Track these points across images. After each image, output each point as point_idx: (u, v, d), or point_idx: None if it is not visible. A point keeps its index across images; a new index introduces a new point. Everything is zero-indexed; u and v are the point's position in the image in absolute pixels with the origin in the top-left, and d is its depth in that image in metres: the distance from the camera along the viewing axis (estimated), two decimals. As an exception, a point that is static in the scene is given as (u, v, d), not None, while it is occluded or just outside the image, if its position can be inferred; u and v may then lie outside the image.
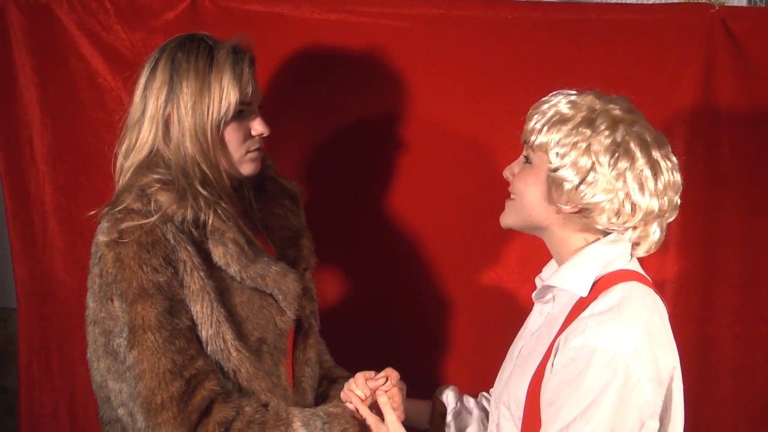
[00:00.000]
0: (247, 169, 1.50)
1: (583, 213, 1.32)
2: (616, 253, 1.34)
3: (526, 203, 1.37)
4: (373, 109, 1.98)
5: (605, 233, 1.34)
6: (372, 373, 1.50)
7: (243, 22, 1.88)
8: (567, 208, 1.32)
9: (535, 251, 1.68)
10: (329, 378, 1.68)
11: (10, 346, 2.45)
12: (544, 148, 1.32)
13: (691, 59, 1.88)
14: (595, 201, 1.29)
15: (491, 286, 2.01)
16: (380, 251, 2.02)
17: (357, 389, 1.48)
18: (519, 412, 1.35)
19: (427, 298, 2.03)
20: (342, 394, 1.50)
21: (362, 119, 1.98)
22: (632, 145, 1.29)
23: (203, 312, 1.40)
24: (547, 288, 1.40)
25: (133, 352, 1.35)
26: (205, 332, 1.40)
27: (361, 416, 1.47)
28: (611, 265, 1.34)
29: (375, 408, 1.48)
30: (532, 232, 1.42)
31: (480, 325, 2.02)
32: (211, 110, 1.42)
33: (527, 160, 1.38)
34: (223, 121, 1.44)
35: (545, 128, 1.32)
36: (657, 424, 1.25)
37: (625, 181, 1.28)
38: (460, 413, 1.61)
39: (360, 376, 1.49)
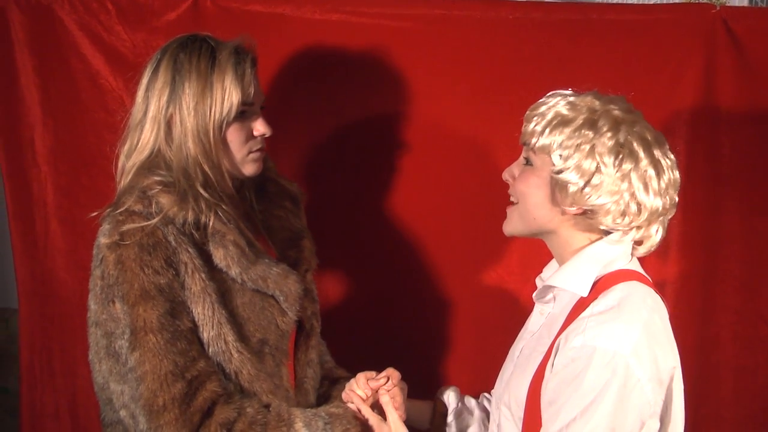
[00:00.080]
0: (249, 169, 1.50)
1: (588, 214, 1.32)
2: (617, 253, 1.34)
3: (530, 206, 1.36)
4: (374, 109, 1.98)
5: (608, 233, 1.34)
6: (373, 373, 1.49)
7: (244, 23, 1.88)
8: (572, 210, 1.32)
9: (536, 251, 1.68)
10: (330, 378, 1.68)
11: (12, 347, 2.45)
12: (546, 151, 1.31)
13: (692, 59, 1.88)
14: (600, 203, 1.29)
15: (492, 287, 2.01)
16: (381, 252, 2.02)
17: (358, 389, 1.48)
18: (520, 412, 1.35)
19: (428, 299, 2.03)
20: (343, 395, 1.50)
21: (363, 119, 1.98)
22: (635, 145, 1.28)
23: (204, 314, 1.40)
24: (548, 288, 1.39)
25: (134, 353, 1.35)
26: (207, 334, 1.40)
27: (363, 416, 1.47)
28: (612, 265, 1.33)
29: (376, 408, 1.48)
30: (536, 237, 1.41)
31: (481, 325, 2.02)
32: (213, 111, 1.42)
33: (528, 162, 1.36)
34: (225, 122, 1.44)
35: (547, 130, 1.31)
36: (657, 424, 1.25)
37: (630, 182, 1.28)
38: (461, 413, 1.61)
39: (361, 377, 1.49)
